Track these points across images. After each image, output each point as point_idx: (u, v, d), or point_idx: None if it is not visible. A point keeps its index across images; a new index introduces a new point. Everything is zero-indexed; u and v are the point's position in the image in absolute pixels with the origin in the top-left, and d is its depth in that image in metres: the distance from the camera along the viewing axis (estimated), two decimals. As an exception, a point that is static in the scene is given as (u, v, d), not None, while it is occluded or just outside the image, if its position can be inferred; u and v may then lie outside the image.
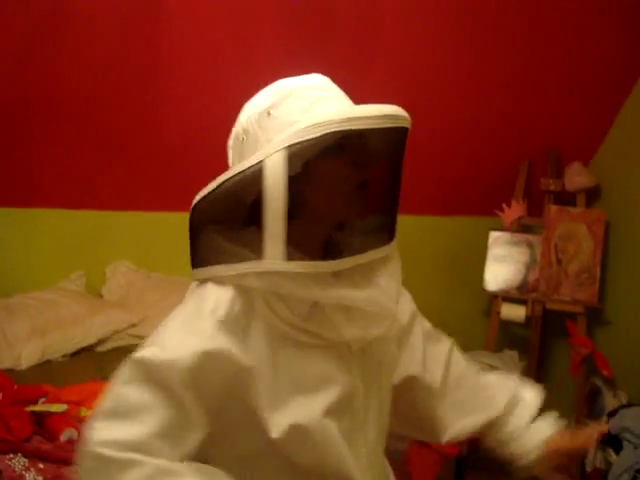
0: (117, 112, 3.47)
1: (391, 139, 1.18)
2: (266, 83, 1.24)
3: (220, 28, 3.21)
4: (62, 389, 2.83)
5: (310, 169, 1.13)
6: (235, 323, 1.14)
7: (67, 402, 2.68)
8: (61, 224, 3.79)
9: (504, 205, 3.96)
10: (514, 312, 3.84)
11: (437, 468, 3.08)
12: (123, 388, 1.10)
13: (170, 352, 1.10)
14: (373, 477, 1.31)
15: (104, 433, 1.07)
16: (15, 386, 2.76)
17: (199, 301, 1.16)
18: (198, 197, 1.18)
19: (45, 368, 3.22)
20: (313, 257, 1.14)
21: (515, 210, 3.94)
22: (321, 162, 1.14)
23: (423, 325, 1.53)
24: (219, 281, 1.17)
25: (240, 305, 1.15)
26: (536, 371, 3.93)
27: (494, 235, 3.95)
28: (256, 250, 1.12)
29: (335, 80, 1.24)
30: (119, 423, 1.07)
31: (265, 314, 1.16)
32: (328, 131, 1.09)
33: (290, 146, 1.09)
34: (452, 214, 4.14)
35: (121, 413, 1.08)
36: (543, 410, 1.52)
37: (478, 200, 4.09)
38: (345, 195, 1.19)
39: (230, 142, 1.27)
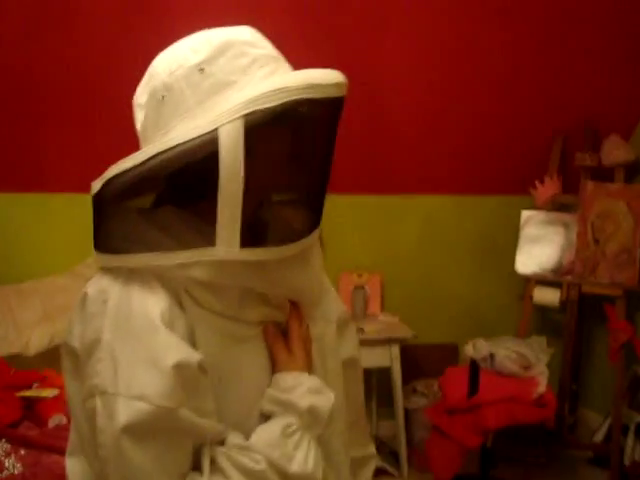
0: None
1: (338, 109, 1.04)
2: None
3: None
4: (60, 374, 2.75)
5: (264, 142, 0.99)
6: (178, 322, 0.98)
7: (61, 386, 2.61)
8: (76, 208, 3.72)
9: (537, 182, 3.76)
10: (548, 296, 3.65)
11: (457, 460, 2.89)
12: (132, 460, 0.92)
13: (151, 395, 0.91)
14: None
15: None
16: (12, 371, 2.71)
17: (127, 307, 0.97)
18: (116, 169, 0.99)
19: (53, 354, 3.15)
20: (264, 243, 1.01)
21: (549, 187, 3.73)
22: (275, 134, 1.01)
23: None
24: (124, 273, 0.99)
25: (171, 300, 0.99)
26: (572, 359, 3.71)
27: (526, 214, 3.74)
28: (204, 236, 0.97)
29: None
30: None
31: (191, 307, 1.00)
32: (288, 99, 0.95)
33: (248, 114, 0.94)
34: (482, 193, 3.95)
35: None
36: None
37: (510, 178, 3.89)
38: (295, 171, 1.08)
39: (141, 99, 1.06)
